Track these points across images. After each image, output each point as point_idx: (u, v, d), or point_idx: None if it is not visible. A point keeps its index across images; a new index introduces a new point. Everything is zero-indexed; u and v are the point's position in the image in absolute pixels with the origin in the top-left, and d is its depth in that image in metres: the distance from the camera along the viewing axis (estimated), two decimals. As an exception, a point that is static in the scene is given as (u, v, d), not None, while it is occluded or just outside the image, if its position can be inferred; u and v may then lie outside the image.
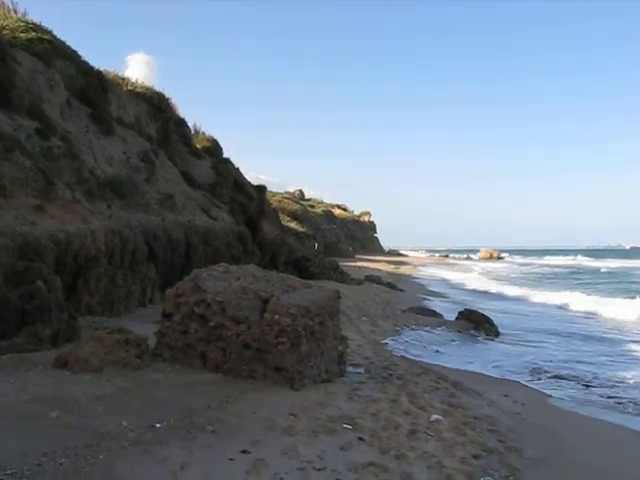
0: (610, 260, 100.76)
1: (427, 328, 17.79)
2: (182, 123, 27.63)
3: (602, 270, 72.36)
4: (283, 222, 46.35)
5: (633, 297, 31.87)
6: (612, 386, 12.07)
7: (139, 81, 25.32)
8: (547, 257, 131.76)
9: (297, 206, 72.71)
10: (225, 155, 30.08)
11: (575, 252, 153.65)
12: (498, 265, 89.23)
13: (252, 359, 8.32)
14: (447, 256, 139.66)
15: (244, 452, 5.59)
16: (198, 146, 28.09)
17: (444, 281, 48.25)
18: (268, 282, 9.13)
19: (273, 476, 5.16)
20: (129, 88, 23.54)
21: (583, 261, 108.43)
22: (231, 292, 8.70)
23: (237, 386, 7.91)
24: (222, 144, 30.29)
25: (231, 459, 5.41)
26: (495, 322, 19.19)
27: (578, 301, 30.88)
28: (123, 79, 24.09)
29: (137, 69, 49.67)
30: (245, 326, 8.37)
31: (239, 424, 6.41)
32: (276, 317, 8.21)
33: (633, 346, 17.39)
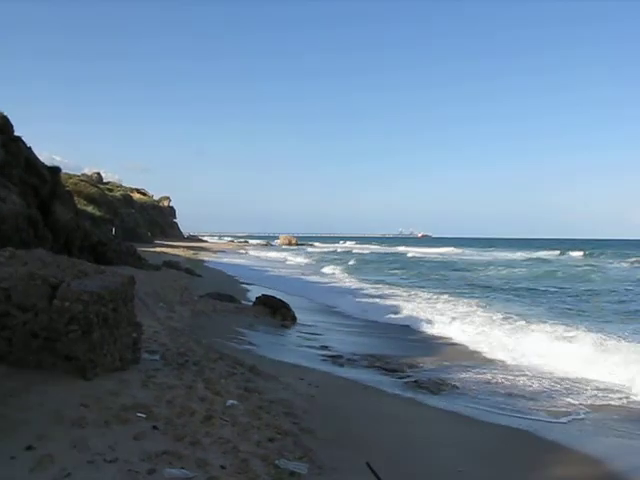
0: (375, 247, 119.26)
1: (225, 313, 17.78)
2: (-36, 97, 25.18)
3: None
4: (79, 206, 44.21)
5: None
6: (402, 367, 12.80)
7: None
8: (317, 243, 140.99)
9: (94, 189, 69.85)
10: (17, 133, 27.81)
11: (367, 240, 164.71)
12: (294, 251, 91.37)
13: (40, 348, 7.80)
14: (247, 242, 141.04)
15: (29, 448, 5.20)
16: (-16, 123, 25.74)
17: (243, 266, 48.53)
18: (58, 267, 8.60)
19: (60, 472, 4.85)
20: None
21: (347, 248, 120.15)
22: (17, 278, 8.08)
23: (23, 378, 7.36)
24: (13, 122, 27.94)
25: (13, 457, 5.01)
26: (292, 306, 19.66)
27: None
28: None
29: None
30: (32, 314, 7.82)
31: (25, 419, 5.96)
32: (66, 304, 7.75)
33: (416, 331, 18.57)
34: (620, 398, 11.06)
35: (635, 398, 10.98)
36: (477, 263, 63.13)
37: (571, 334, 16.94)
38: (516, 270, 50.17)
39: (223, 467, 5.53)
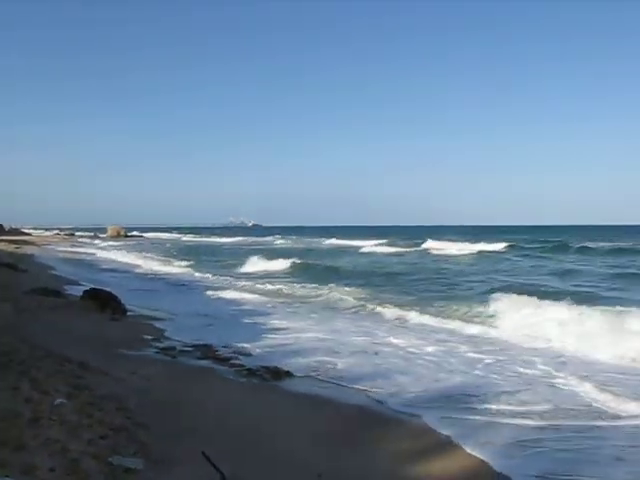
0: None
1: (52, 310, 16.84)
2: None
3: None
4: None
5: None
6: (235, 356, 12.73)
7: None
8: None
9: None
10: None
11: (196, 229, 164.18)
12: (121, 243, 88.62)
13: None
14: (73, 234, 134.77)
15: None
16: None
17: (70, 260, 46.30)
18: None
19: None
20: None
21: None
22: None
23: None
24: None
25: None
26: (122, 299, 18.97)
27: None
28: None
29: None
30: None
31: None
32: None
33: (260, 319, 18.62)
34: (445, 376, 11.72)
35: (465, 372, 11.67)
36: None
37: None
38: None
39: (52, 470, 5.21)
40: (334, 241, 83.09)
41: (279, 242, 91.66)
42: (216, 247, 78.06)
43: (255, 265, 40.01)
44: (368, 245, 66.93)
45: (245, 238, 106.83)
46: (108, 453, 5.77)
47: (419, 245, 64.98)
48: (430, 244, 64.61)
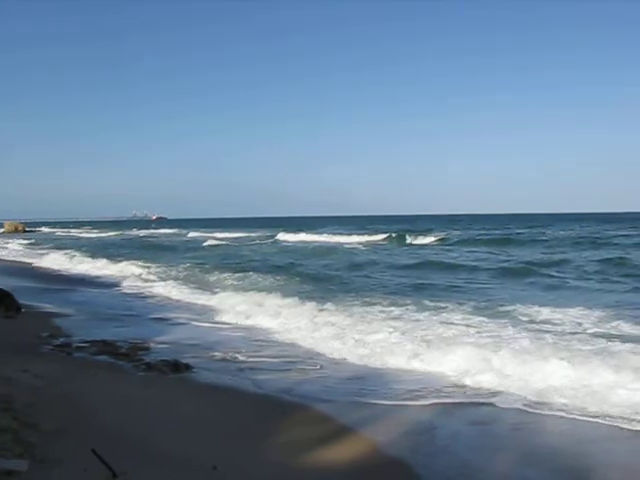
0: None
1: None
2: None
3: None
4: None
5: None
6: (133, 351, 12.40)
7: None
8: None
9: None
10: None
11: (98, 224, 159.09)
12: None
13: None
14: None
15: None
16: None
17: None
18: None
19: None
20: None
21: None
22: None
23: None
24: None
25: None
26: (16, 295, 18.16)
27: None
28: None
29: None
30: None
31: None
32: None
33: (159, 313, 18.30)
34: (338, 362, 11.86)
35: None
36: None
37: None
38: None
39: None
40: (195, 234, 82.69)
41: (142, 234, 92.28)
42: (66, 240, 75.47)
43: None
44: (216, 237, 67.15)
45: (119, 232, 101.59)
46: (-10, 456, 5.49)
47: (272, 237, 66.55)
48: (282, 236, 66.77)
